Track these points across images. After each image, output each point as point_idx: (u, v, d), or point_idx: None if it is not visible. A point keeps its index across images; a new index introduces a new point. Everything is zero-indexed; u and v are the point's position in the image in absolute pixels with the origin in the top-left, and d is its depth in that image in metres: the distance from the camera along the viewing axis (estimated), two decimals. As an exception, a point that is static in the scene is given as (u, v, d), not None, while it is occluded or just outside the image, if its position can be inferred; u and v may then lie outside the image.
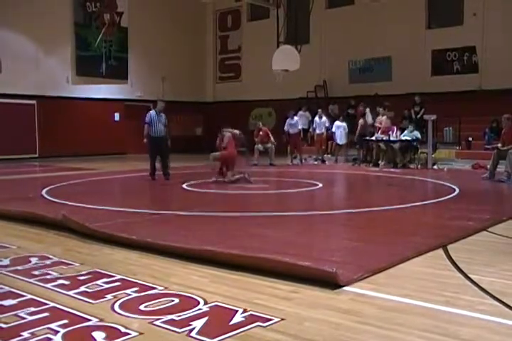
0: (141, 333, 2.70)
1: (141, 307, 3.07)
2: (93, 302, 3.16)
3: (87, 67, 18.74)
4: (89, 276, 3.72)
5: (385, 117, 14.10)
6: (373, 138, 14.00)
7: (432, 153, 13.30)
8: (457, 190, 8.43)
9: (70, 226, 5.26)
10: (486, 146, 13.21)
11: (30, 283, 3.59)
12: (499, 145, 10.34)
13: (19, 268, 3.97)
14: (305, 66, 17.27)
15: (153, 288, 3.42)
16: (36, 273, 3.82)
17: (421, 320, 2.85)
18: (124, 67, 19.77)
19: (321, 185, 9.54)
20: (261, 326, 2.77)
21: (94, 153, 18.41)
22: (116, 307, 3.07)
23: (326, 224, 6.09)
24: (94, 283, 3.55)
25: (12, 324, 2.81)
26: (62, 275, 3.75)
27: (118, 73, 19.54)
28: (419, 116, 14.72)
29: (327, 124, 15.77)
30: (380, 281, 3.56)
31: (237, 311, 2.97)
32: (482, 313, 2.94)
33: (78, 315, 2.93)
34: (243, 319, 2.87)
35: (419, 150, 13.49)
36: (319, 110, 15.87)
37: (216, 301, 3.15)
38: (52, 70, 17.99)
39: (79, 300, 3.20)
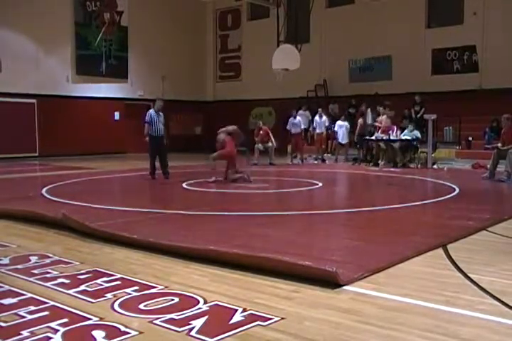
0: (141, 332, 2.70)
1: (141, 306, 3.07)
2: (93, 301, 3.16)
3: (87, 66, 18.75)
4: (89, 275, 3.72)
5: (385, 116, 14.10)
6: (373, 137, 14.01)
7: (432, 153, 13.30)
8: (457, 190, 8.44)
9: (70, 225, 5.26)
10: (486, 146, 13.21)
11: (30, 281, 3.59)
12: (499, 144, 10.34)
13: (19, 266, 3.97)
14: (305, 65, 17.27)
15: (153, 287, 3.42)
16: (36, 271, 3.82)
17: (421, 320, 2.85)
18: (124, 66, 19.77)
19: (321, 184, 9.54)
20: (261, 325, 2.77)
21: (94, 152, 18.42)
22: (116, 306, 3.07)
23: (326, 223, 6.08)
24: (94, 282, 3.55)
25: (12, 323, 2.81)
26: (62, 274, 3.75)
27: (118, 72, 19.54)
28: (419, 115, 14.73)
29: (327, 124, 15.79)
30: (380, 281, 3.56)
31: (236, 310, 2.97)
32: (482, 313, 2.94)
33: (78, 314, 2.93)
34: (243, 318, 2.87)
35: (419, 150, 13.49)
36: (319, 109, 15.87)
37: (216, 300, 3.15)
38: (52, 69, 17.99)
39: (79, 299, 3.20)
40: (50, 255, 4.31)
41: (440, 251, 4.40)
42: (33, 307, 3.03)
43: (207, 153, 10.57)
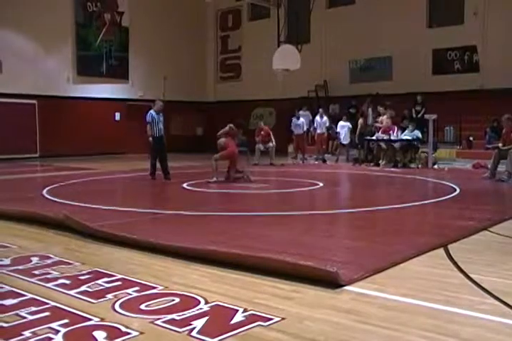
0: (141, 333, 2.70)
1: (142, 306, 3.07)
2: (94, 301, 3.16)
3: (87, 67, 18.77)
4: (90, 276, 3.72)
5: (385, 117, 14.10)
6: (374, 137, 14.01)
7: (433, 153, 13.29)
8: (458, 190, 8.43)
9: (70, 226, 5.26)
10: (487, 146, 13.23)
11: (31, 282, 3.59)
12: (500, 144, 10.34)
13: (20, 267, 3.97)
14: (306, 65, 17.29)
15: (154, 288, 3.42)
16: (37, 272, 3.82)
17: (422, 320, 2.85)
18: (124, 67, 19.79)
19: (321, 184, 9.54)
20: (262, 325, 2.77)
21: (95, 152, 18.43)
22: (116, 306, 3.07)
23: (327, 223, 6.09)
24: (94, 282, 3.55)
25: (13, 323, 2.81)
26: (62, 275, 3.75)
27: (119, 73, 19.57)
28: (420, 115, 14.73)
29: (328, 124, 15.81)
30: (381, 281, 3.56)
31: (237, 311, 2.97)
32: (483, 313, 2.94)
33: (79, 315, 2.93)
34: (244, 318, 2.87)
35: (420, 150, 13.49)
36: (320, 109, 15.89)
37: (217, 301, 3.15)
38: (52, 70, 18.01)
39: (80, 300, 3.20)
40: (51, 256, 4.31)
41: (441, 251, 4.39)
42: (34, 308, 3.03)
43: (208, 154, 10.56)
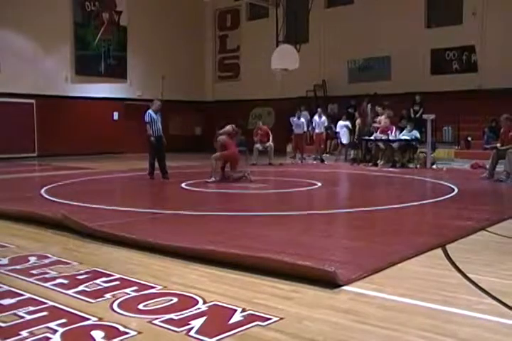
0: (139, 332, 2.70)
1: (140, 306, 3.06)
2: (92, 301, 3.16)
3: (86, 66, 18.76)
4: (88, 275, 3.71)
5: (384, 116, 14.11)
6: (372, 137, 14.01)
7: (431, 153, 13.30)
8: (456, 190, 8.44)
9: (69, 226, 5.26)
10: (485, 146, 13.23)
11: (28, 282, 3.59)
12: (498, 145, 10.35)
13: (18, 267, 3.96)
14: (304, 65, 17.29)
15: (153, 287, 3.42)
16: (35, 272, 3.82)
17: (420, 320, 2.85)
18: (123, 66, 19.78)
19: (320, 184, 9.54)
20: (260, 325, 2.77)
21: (93, 152, 18.42)
22: (115, 306, 3.07)
23: (325, 223, 6.10)
24: (93, 282, 3.55)
25: (11, 323, 2.81)
26: (61, 275, 3.74)
27: (117, 72, 19.55)
28: (418, 115, 14.73)
29: (326, 124, 15.81)
30: (379, 281, 3.57)
31: (236, 310, 2.97)
32: (480, 313, 2.94)
33: (77, 314, 2.93)
34: (242, 318, 2.87)
35: (418, 150, 13.49)
36: (319, 109, 15.89)
37: (215, 300, 3.15)
38: (51, 69, 18.00)
39: (78, 299, 3.20)
40: (49, 255, 4.31)
41: (439, 251, 4.40)
42: (32, 308, 3.03)
43: (206, 154, 10.56)
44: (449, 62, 16.99)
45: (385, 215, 6.41)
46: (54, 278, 3.65)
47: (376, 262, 3.93)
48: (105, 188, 9.85)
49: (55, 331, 2.69)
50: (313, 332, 2.68)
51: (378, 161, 13.71)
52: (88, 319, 2.86)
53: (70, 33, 18.56)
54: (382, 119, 14.02)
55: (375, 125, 14.33)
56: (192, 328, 2.73)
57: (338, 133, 15.52)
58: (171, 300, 3.18)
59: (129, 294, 3.30)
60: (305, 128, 15.49)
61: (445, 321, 2.83)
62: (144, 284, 3.49)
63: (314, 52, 19.19)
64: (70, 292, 3.34)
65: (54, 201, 7.28)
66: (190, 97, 22.08)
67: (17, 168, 13.42)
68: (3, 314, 2.93)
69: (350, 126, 15.35)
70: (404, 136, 13.40)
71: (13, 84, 16.66)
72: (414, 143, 13.46)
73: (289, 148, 16.86)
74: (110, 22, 19.39)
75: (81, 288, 3.42)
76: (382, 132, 13.79)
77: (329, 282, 3.41)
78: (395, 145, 13.41)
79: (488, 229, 5.34)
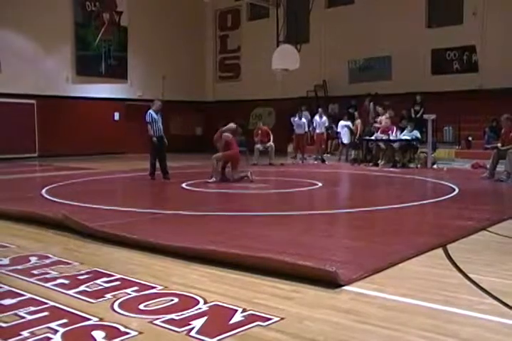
0: (140, 332, 2.70)
1: (141, 306, 3.06)
2: (93, 301, 3.16)
3: (86, 67, 18.77)
4: (89, 276, 3.72)
5: (384, 117, 14.11)
6: (373, 137, 14.01)
7: (432, 153, 13.30)
8: (457, 190, 8.44)
9: (69, 226, 5.26)
10: (486, 146, 13.22)
11: (29, 282, 3.59)
12: (499, 144, 10.35)
13: (19, 267, 3.96)
14: (305, 65, 17.29)
15: (153, 288, 3.42)
16: (36, 272, 3.82)
17: (421, 320, 2.85)
18: (123, 67, 19.79)
19: (320, 184, 9.54)
20: (261, 325, 2.77)
21: (94, 152, 18.42)
22: (115, 306, 3.07)
23: (326, 223, 6.10)
24: (93, 282, 3.55)
25: (12, 323, 2.81)
26: (61, 275, 3.74)
27: (117, 72, 19.56)
28: (418, 115, 14.73)
29: (327, 124, 15.81)
30: (380, 281, 3.56)
31: (236, 310, 2.97)
32: (481, 313, 2.94)
33: (78, 315, 2.93)
34: (243, 318, 2.87)
35: (419, 150, 13.49)
36: (320, 109, 15.89)
37: (216, 300, 3.15)
38: (52, 70, 18.00)
39: (78, 300, 3.20)
40: (50, 255, 4.31)
41: (440, 251, 4.39)
42: (32, 308, 3.03)
43: (207, 154, 10.55)
44: (449, 62, 16.98)
45: (386, 215, 6.41)
46: (55, 278, 3.65)
47: (377, 262, 3.93)
48: (106, 188, 9.85)
49: (56, 331, 2.69)
50: (314, 332, 2.68)
51: (379, 161, 13.71)
52: (89, 319, 2.87)
53: (71, 33, 18.57)
54: (383, 119, 14.02)
55: (376, 125, 14.33)
56: (193, 328, 2.73)
57: (339, 133, 15.51)
58: (172, 300, 3.18)
59: (129, 294, 3.30)
60: (306, 129, 15.50)
61: (446, 321, 2.83)
62: (144, 284, 3.49)
63: (315, 53, 19.18)
64: (70, 292, 3.34)
65: (55, 201, 7.29)
66: (190, 97, 22.08)
67: (18, 169, 13.43)
68: (4, 314, 2.93)
69: (351, 125, 15.35)
70: (405, 136, 13.40)
71: (13, 85, 16.67)
72: (414, 143, 13.46)
73: (290, 148, 16.86)
74: (111, 22, 19.40)
75: (82, 288, 3.42)
76: (382, 132, 13.79)
77: (330, 282, 3.41)
78: (395, 145, 13.41)
79: (489, 229, 5.34)
